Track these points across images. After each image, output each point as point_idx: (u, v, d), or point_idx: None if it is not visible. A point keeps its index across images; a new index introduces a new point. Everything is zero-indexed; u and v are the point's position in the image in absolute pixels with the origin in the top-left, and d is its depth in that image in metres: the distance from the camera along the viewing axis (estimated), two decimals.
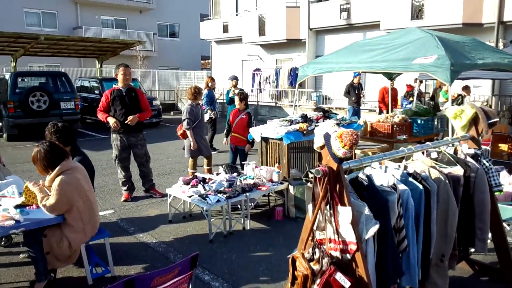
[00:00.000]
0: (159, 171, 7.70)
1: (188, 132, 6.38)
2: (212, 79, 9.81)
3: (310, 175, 5.04)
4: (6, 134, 11.37)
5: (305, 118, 6.25)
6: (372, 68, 6.62)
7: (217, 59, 22.67)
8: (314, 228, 2.55)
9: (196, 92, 6.59)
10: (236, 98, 6.47)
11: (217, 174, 5.49)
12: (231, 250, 4.29)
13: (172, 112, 19.48)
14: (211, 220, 4.60)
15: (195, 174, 5.50)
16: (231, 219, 4.78)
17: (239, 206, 5.18)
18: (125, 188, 6.05)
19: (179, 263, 2.47)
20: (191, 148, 6.43)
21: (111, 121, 5.70)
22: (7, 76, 11.93)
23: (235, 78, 9.85)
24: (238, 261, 4.04)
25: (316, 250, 2.51)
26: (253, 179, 5.16)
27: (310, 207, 2.57)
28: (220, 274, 3.76)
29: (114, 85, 6.01)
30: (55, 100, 11.62)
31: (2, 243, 4.41)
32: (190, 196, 4.71)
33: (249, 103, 6.88)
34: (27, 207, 3.57)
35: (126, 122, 5.69)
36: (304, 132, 5.76)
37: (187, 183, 5.05)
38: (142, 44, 17.05)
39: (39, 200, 3.41)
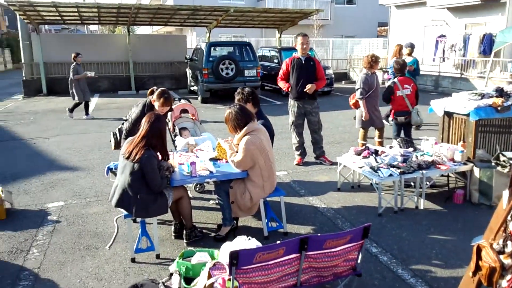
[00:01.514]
0: (329, 140, 7.82)
1: (360, 102, 6.27)
2: (402, 47, 9.06)
3: (502, 158, 4.42)
4: (200, 96, 13.15)
5: (500, 92, 5.40)
6: None
7: (395, 26, 21.21)
8: (509, 218, 2.24)
9: (372, 61, 6.35)
10: None
11: (390, 147, 5.28)
12: (401, 227, 4.14)
13: (343, 82, 19.30)
14: (381, 193, 4.49)
15: (367, 145, 5.40)
16: (403, 195, 4.57)
17: (412, 184, 4.91)
18: (298, 152, 6.38)
19: (352, 231, 2.52)
20: (363, 118, 6.32)
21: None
22: (203, 46, 13.62)
23: (410, 45, 9.01)
24: (409, 239, 3.88)
25: (508, 242, 2.21)
26: (431, 156, 4.79)
27: (505, 194, 2.26)
28: (388, 249, 3.69)
29: (294, 54, 6.27)
30: (240, 68, 12.80)
31: (197, 189, 5.22)
32: (360, 167, 4.67)
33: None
34: (218, 161, 4.11)
35: (304, 90, 5.92)
36: (499, 108, 5.01)
37: (358, 153, 5.01)
38: (319, 13, 17.15)
39: (228, 155, 3.88)
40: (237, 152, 3.81)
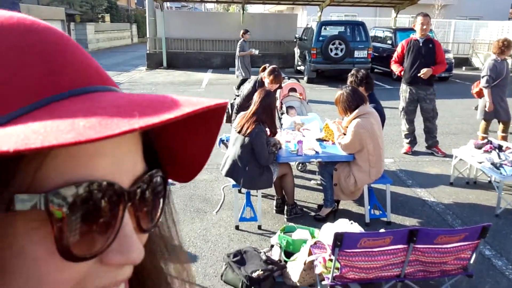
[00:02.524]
0: (443, 130, 7.24)
1: (485, 91, 5.67)
2: None
3: None
4: (306, 77, 13.09)
5: None
6: None
7: None
8: None
9: (504, 46, 5.66)
10: None
11: None
12: None
13: (464, 68, 17.52)
14: (501, 193, 4.07)
15: (490, 139, 4.90)
16: None
17: None
18: (407, 141, 6.04)
19: (468, 229, 2.36)
20: (486, 109, 5.72)
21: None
22: (314, 25, 13.43)
23: None
24: None
25: None
26: None
27: None
28: (504, 254, 3.36)
29: (411, 35, 5.88)
30: (351, 49, 12.36)
31: (299, 167, 5.28)
32: (480, 162, 4.28)
33: None
34: (324, 142, 4.10)
35: (419, 75, 5.55)
36: None
37: (478, 147, 4.58)
38: None
39: (335, 137, 3.85)
40: (345, 134, 3.76)
